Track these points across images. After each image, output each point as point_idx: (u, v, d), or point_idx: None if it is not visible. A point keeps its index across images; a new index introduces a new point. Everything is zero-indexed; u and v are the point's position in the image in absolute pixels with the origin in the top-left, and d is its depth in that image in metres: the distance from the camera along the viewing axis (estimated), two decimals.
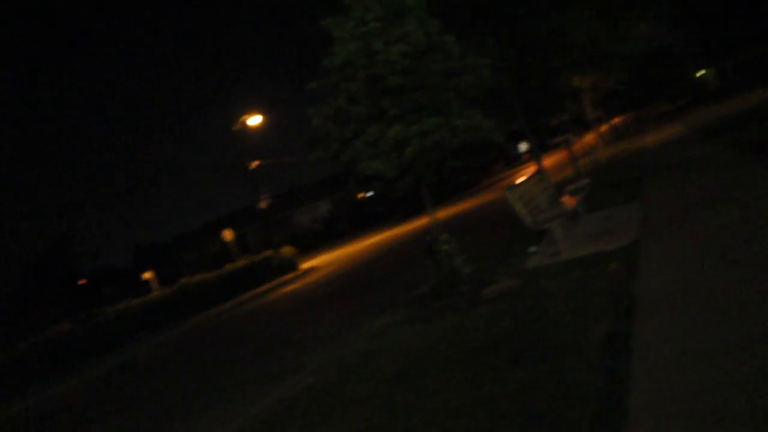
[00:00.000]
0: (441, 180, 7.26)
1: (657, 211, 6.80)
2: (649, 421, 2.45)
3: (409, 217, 35.35)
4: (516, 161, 60.82)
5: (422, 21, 6.51)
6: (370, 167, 6.41)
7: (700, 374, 2.64)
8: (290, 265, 24.03)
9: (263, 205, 26.50)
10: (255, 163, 25.53)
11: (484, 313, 5.23)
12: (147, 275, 31.63)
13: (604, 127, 36.09)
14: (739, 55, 31.98)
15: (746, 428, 2.15)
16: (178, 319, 19.90)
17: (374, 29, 6.26)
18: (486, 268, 7.15)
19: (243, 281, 21.97)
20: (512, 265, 6.88)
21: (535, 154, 15.87)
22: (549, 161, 31.73)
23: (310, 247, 42.29)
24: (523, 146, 61.52)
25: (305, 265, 25.56)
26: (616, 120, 37.44)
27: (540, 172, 9.10)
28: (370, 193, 38.95)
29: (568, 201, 7.49)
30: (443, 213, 23.78)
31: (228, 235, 26.56)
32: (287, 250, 25.02)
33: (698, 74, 38.62)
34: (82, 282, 56.39)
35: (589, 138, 32.18)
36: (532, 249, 7.37)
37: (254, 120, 24.66)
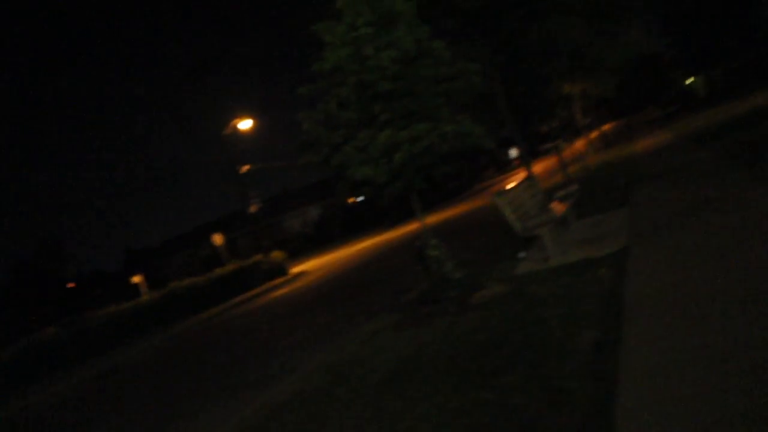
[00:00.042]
0: (431, 185, 7.28)
1: (645, 217, 6.84)
2: (636, 426, 2.45)
3: (400, 222, 35.38)
4: (507, 167, 61.11)
5: (412, 27, 6.54)
6: (359, 172, 6.41)
7: (687, 379, 2.65)
8: (280, 270, 24.02)
9: (253, 209, 26.46)
10: (245, 168, 25.47)
11: (473, 318, 5.23)
12: (136, 279, 31.37)
13: (593, 134, 36.35)
14: (727, 63, 32.32)
15: None
16: (167, 324, 19.77)
17: (365, 35, 6.27)
18: (475, 273, 7.16)
19: (232, 285, 21.92)
20: (502, 271, 6.88)
21: (525, 160, 15.95)
22: (539, 167, 31.85)
23: (300, 252, 42.27)
24: (513, 152, 61.83)
25: (295, 269, 25.53)
26: (606, 127, 37.68)
27: (530, 178, 9.13)
28: (360, 198, 38.90)
29: (558, 207, 7.52)
30: (433, 218, 23.81)
31: (218, 239, 26.50)
32: (277, 255, 25.00)
33: (687, 82, 38.95)
34: (71, 285, 56.02)
35: (579, 144, 32.36)
36: (522, 255, 7.38)
37: (245, 124, 24.62)
